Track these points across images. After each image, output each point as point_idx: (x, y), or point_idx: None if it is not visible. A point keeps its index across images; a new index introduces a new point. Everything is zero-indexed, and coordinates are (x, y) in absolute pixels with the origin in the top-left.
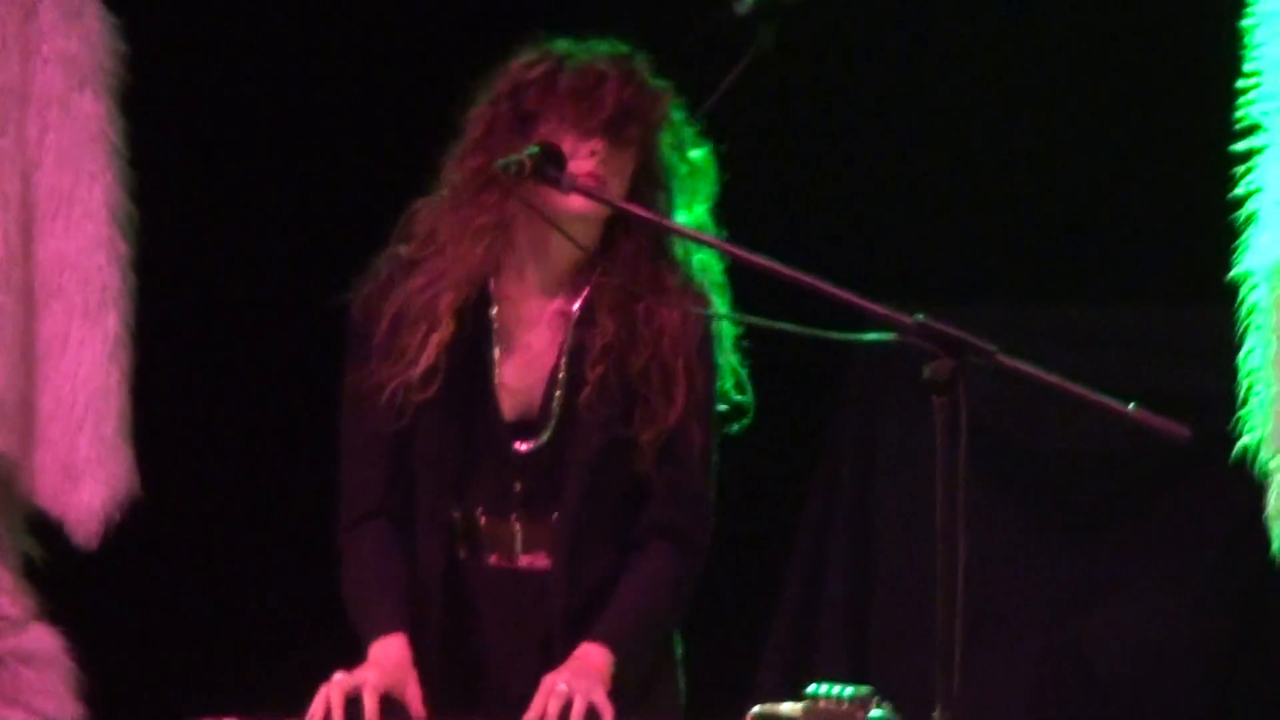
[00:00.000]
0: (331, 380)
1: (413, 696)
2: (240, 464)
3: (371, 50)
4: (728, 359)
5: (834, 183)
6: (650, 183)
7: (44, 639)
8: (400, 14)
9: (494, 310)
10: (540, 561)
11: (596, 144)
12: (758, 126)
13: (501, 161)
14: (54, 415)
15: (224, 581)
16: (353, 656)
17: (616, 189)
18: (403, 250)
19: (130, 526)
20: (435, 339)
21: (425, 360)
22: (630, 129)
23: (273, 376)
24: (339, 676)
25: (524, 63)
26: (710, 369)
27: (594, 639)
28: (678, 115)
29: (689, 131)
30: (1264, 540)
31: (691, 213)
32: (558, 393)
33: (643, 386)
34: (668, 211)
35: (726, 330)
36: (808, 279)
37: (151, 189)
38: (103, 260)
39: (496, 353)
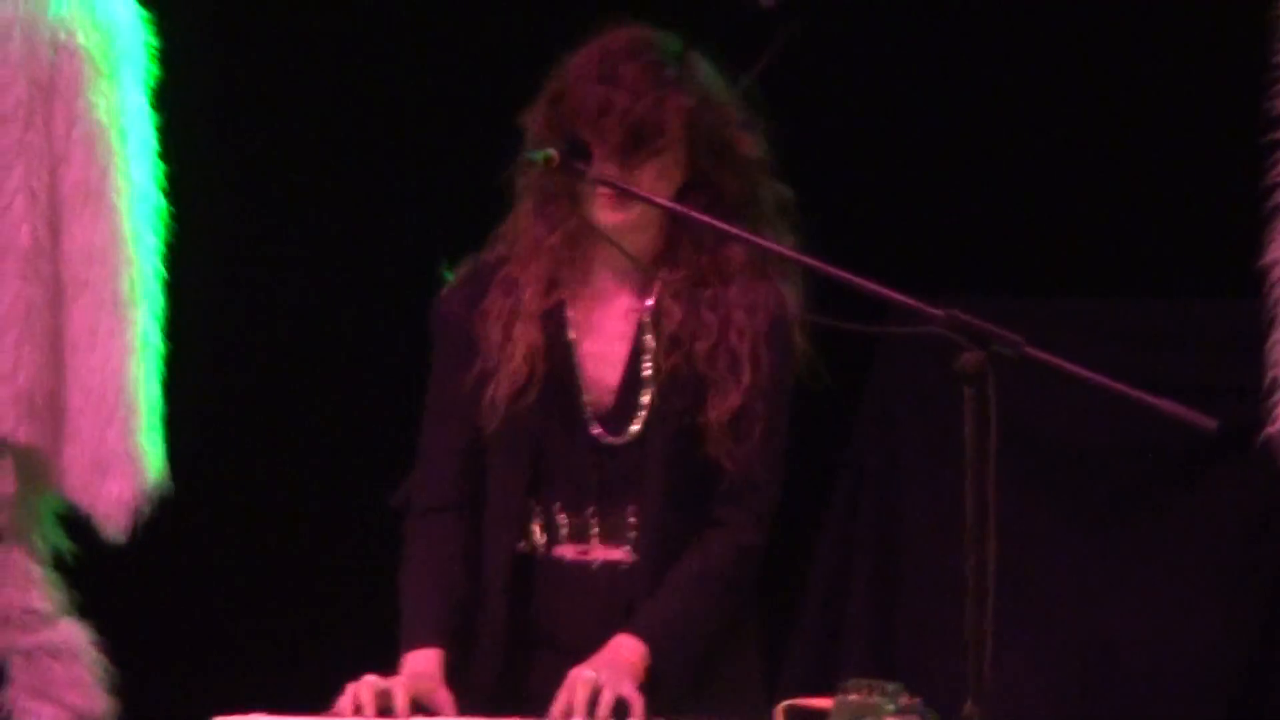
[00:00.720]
0: (365, 374)
1: (443, 702)
2: (270, 457)
3: (409, 39)
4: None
5: (860, 174)
6: (706, 171)
7: (73, 633)
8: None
9: (569, 309)
10: (616, 554)
11: (622, 149)
12: (784, 117)
13: (528, 154)
14: (83, 409)
15: (253, 575)
16: (383, 653)
17: (660, 188)
18: (488, 257)
19: (159, 520)
20: (522, 340)
21: (515, 360)
22: (654, 140)
23: (303, 371)
24: (369, 678)
25: (556, 76)
26: (780, 353)
27: (629, 630)
28: (715, 95)
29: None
30: None
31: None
32: (641, 385)
33: (709, 371)
34: (743, 188)
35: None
36: (834, 270)
37: (181, 181)
38: (131, 253)
39: (575, 349)
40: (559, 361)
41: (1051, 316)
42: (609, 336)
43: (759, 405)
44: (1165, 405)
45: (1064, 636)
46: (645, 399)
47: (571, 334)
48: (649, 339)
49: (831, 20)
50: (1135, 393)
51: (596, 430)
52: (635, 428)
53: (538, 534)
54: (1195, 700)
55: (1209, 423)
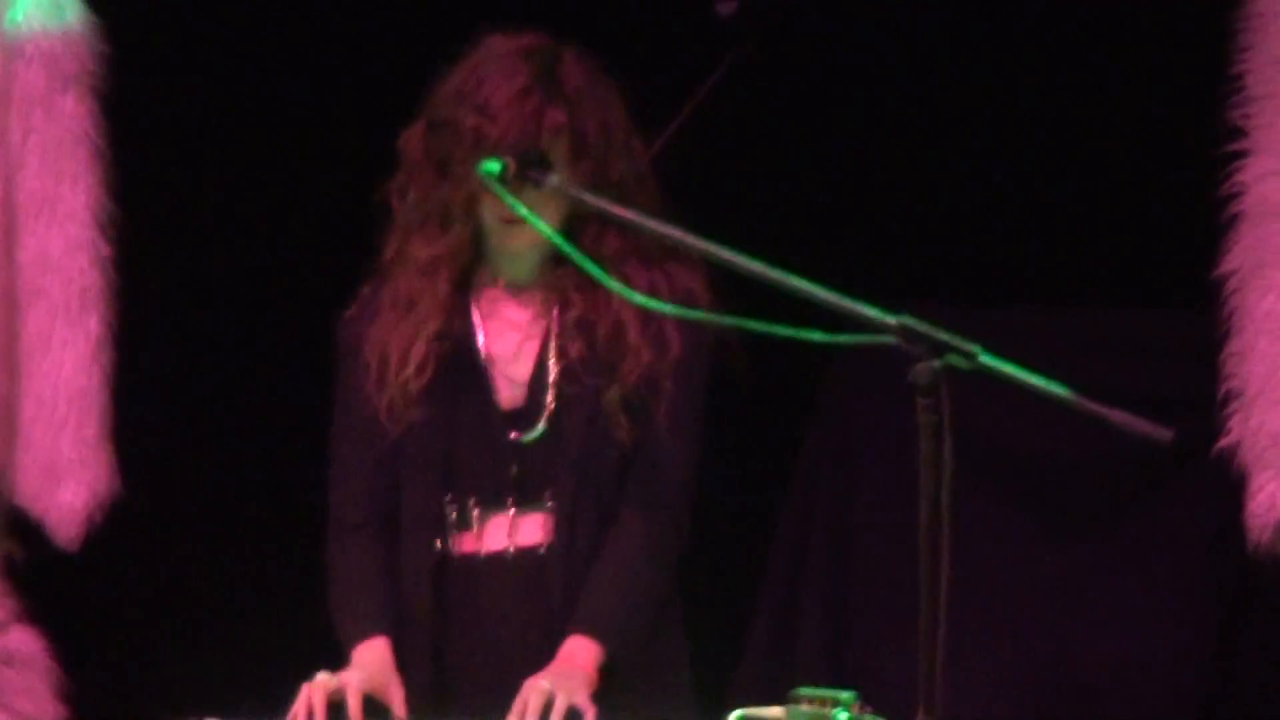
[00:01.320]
0: (313, 381)
1: (395, 697)
2: (221, 464)
3: (353, 51)
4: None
5: (814, 183)
6: (592, 175)
7: (25, 640)
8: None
9: (475, 308)
10: (533, 540)
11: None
12: (736, 125)
13: (484, 165)
14: (36, 416)
15: (205, 582)
16: (335, 656)
17: (552, 215)
18: (381, 277)
19: (111, 527)
20: (424, 334)
21: (415, 357)
22: (544, 153)
23: (254, 378)
24: (321, 676)
25: (434, 98)
26: (684, 335)
27: (577, 629)
28: (608, 102)
29: (608, 105)
30: (1244, 540)
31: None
32: (550, 379)
33: (610, 353)
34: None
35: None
36: (787, 279)
37: (133, 190)
38: (85, 261)
39: (482, 345)
40: (465, 362)
41: (1007, 326)
42: (518, 335)
43: (665, 383)
44: (1120, 417)
45: (1021, 646)
46: (550, 395)
47: (480, 334)
48: (555, 327)
49: (788, 29)
50: (1090, 404)
51: (508, 430)
52: (542, 424)
53: (450, 532)
54: (1155, 712)
55: (1164, 434)
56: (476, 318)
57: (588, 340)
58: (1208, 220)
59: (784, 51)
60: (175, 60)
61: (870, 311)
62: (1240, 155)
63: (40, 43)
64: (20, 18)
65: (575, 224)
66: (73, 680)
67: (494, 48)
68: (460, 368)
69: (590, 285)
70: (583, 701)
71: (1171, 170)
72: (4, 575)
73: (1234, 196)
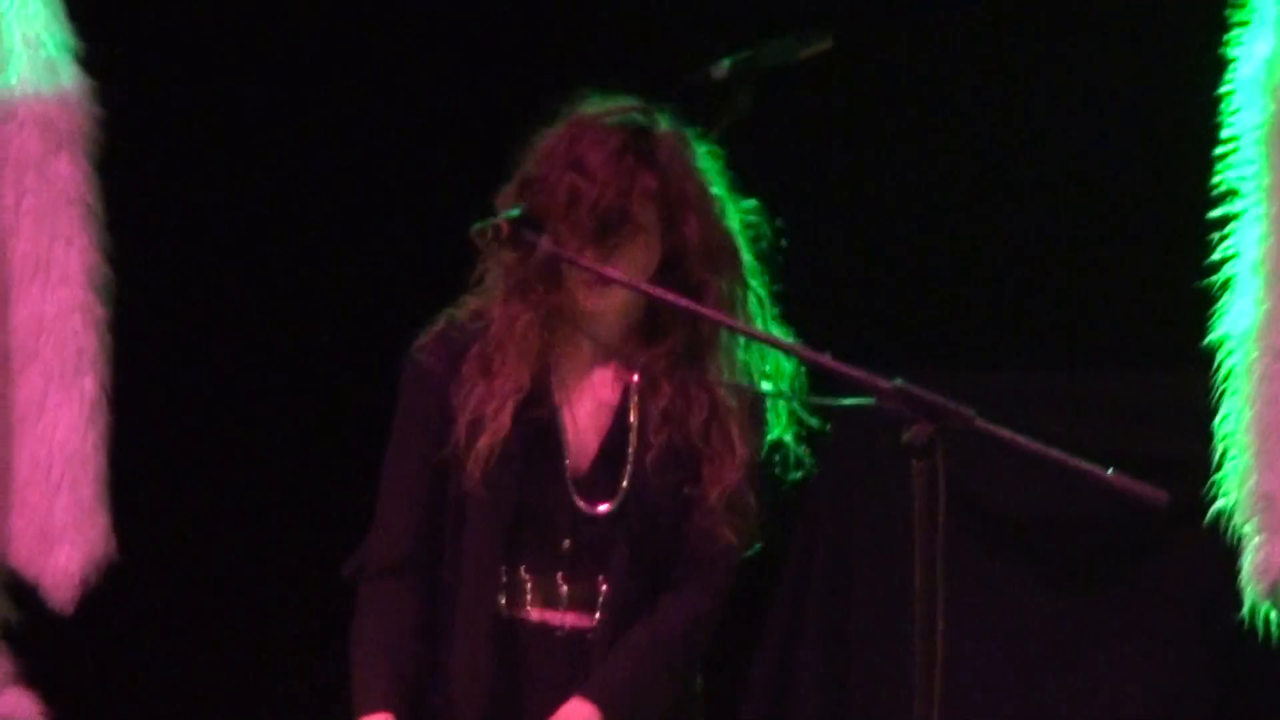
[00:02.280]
0: (309, 445)
1: None
2: (218, 526)
3: (354, 99)
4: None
5: (811, 249)
6: (685, 255)
7: (20, 703)
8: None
9: (553, 376)
10: (583, 622)
11: (588, 255)
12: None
13: (477, 225)
14: (30, 479)
15: (201, 644)
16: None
17: (634, 271)
18: (461, 318)
19: (107, 590)
20: (509, 400)
21: (498, 424)
22: (624, 227)
23: (252, 441)
24: None
25: (528, 157)
26: (755, 430)
27: (583, 694)
28: (698, 173)
29: (716, 184)
30: (1239, 603)
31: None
32: (623, 458)
33: (704, 446)
34: (730, 280)
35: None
36: (785, 343)
37: (128, 252)
38: (79, 324)
39: (559, 415)
40: (543, 426)
41: (1002, 390)
42: (592, 406)
43: (731, 475)
44: (1116, 480)
45: (1015, 707)
46: (627, 472)
47: (556, 400)
48: (633, 412)
49: (780, 92)
50: (1086, 467)
51: (576, 497)
52: (615, 501)
53: (501, 594)
54: None
55: (1160, 496)
56: (556, 385)
57: (677, 429)
58: (1203, 282)
59: (777, 115)
60: (170, 121)
61: (866, 375)
62: (1234, 217)
63: (34, 106)
64: (14, 80)
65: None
66: None
67: (589, 110)
68: (536, 432)
69: (681, 372)
70: None
71: (1166, 232)
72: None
73: (1228, 258)
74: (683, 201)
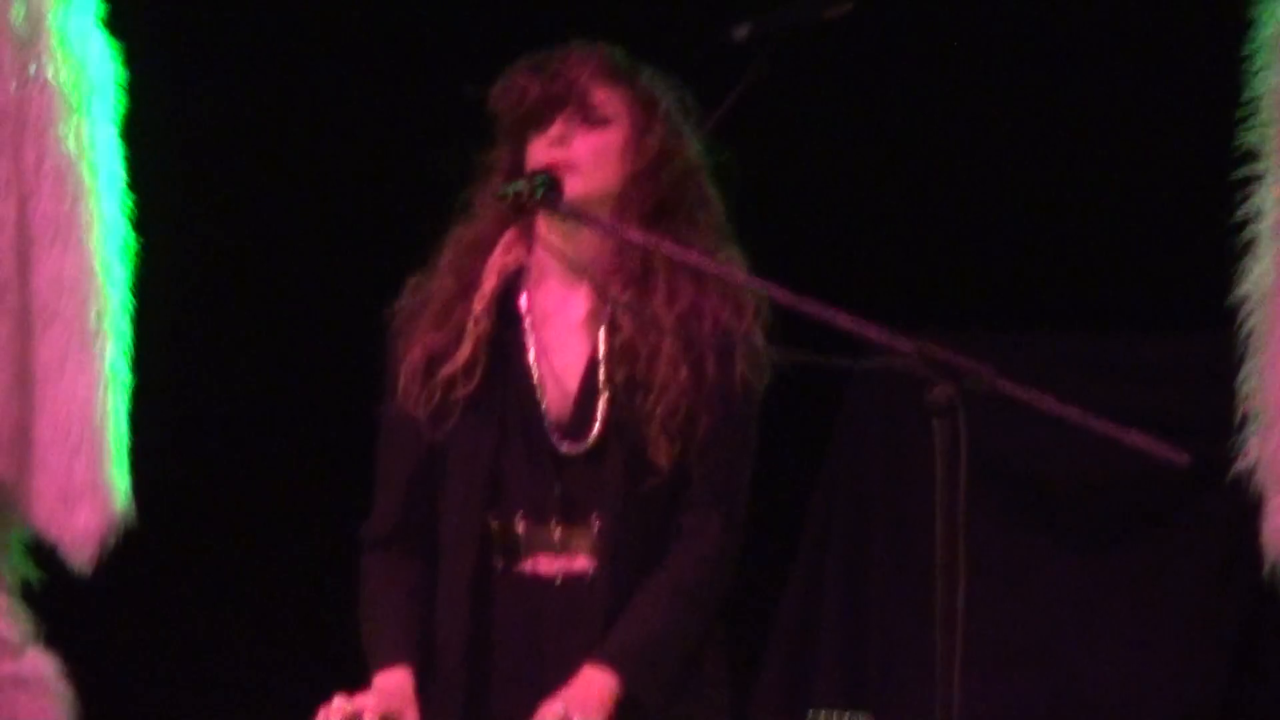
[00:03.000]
0: (331, 400)
1: None
2: (237, 488)
3: (369, 63)
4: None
5: (832, 207)
6: (652, 169)
7: (40, 664)
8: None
9: (525, 314)
10: (579, 565)
11: (557, 123)
12: (755, 149)
13: (502, 189)
14: (51, 440)
15: (220, 605)
16: (352, 680)
17: (599, 172)
18: (429, 275)
19: (126, 550)
20: (472, 335)
21: (462, 356)
22: (597, 105)
23: (270, 400)
24: (338, 700)
25: (496, 87)
26: (728, 361)
27: (598, 659)
28: (679, 104)
29: (694, 128)
30: (1260, 563)
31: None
32: (600, 395)
33: (652, 376)
34: (694, 209)
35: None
36: (804, 302)
37: (149, 213)
38: (100, 285)
39: (532, 355)
40: (513, 370)
41: (1023, 350)
42: (566, 345)
43: (705, 411)
44: (1137, 440)
45: (1037, 668)
46: (601, 407)
47: (528, 341)
48: (603, 348)
49: (803, 54)
50: (1107, 427)
51: (556, 440)
52: (592, 437)
53: (495, 549)
54: None
55: (1181, 457)
56: (527, 324)
57: (630, 363)
58: (1224, 243)
59: (800, 75)
60: (193, 83)
61: (887, 335)
62: (1255, 178)
63: (55, 67)
64: (35, 42)
65: (626, 240)
66: (87, 704)
67: (568, 47)
68: (508, 375)
69: (637, 307)
70: None
71: (1187, 193)
72: (19, 598)
73: (1250, 219)
74: (654, 112)
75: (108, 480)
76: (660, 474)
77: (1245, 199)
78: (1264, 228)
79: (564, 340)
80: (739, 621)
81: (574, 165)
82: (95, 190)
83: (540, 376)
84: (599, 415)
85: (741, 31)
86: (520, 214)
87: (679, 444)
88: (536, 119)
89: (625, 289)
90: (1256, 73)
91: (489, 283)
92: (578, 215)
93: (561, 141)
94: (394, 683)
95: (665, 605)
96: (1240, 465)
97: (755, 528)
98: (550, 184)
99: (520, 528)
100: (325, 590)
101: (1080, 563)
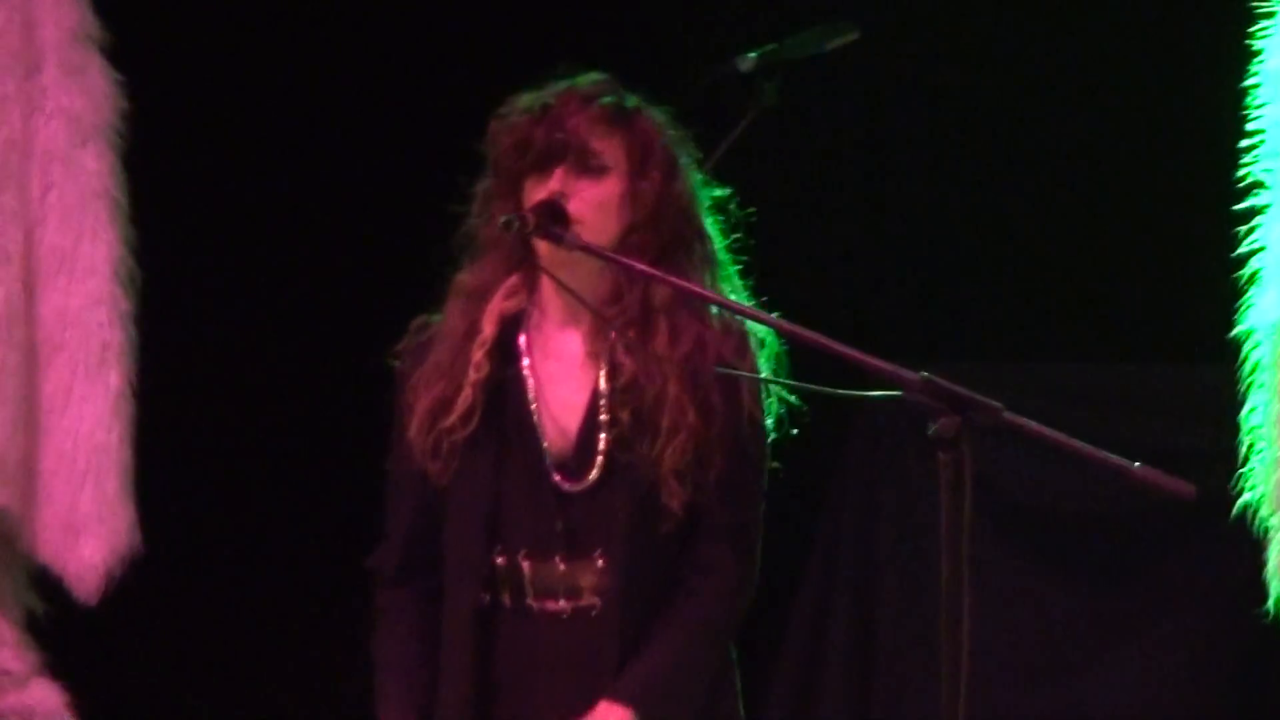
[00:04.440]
0: (337, 433)
1: None
2: (243, 519)
3: (379, 109)
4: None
5: (838, 240)
6: (651, 217)
7: (46, 694)
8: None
9: (525, 353)
10: (585, 600)
11: (556, 175)
12: (760, 183)
13: (503, 219)
14: (56, 471)
15: (226, 637)
16: (362, 715)
17: (599, 222)
18: (431, 319)
19: (131, 582)
20: (471, 380)
21: (463, 402)
22: (595, 154)
23: (275, 433)
24: None
25: (493, 123)
26: (731, 397)
27: (614, 694)
28: (674, 143)
29: (691, 161)
30: (1265, 597)
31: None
32: (601, 432)
33: (658, 419)
34: (693, 248)
35: (766, 362)
36: (811, 335)
37: (153, 246)
38: (105, 317)
39: (532, 393)
40: (514, 409)
41: (1029, 382)
42: (567, 383)
43: (716, 452)
44: (1143, 473)
45: (1040, 701)
46: (602, 444)
47: (529, 379)
48: (604, 385)
49: (808, 84)
50: (1113, 460)
51: (557, 478)
52: (594, 474)
53: (502, 587)
54: None
55: (1187, 489)
56: (526, 363)
57: (635, 406)
58: (1230, 275)
59: (805, 106)
60: (196, 116)
61: (893, 367)
62: (1260, 210)
63: (60, 98)
64: (41, 74)
65: (627, 277)
66: None
67: (562, 85)
68: (508, 414)
69: (640, 346)
70: None
71: (1193, 225)
72: (25, 629)
73: (1255, 252)
74: (650, 156)
75: (113, 511)
76: (674, 518)
77: (1251, 231)
78: (1269, 260)
79: (564, 378)
80: (749, 642)
81: (574, 218)
82: (100, 222)
83: (540, 414)
84: (600, 452)
85: (746, 63)
86: (524, 243)
87: (690, 487)
88: (534, 163)
89: (626, 329)
90: (1262, 105)
91: (489, 329)
92: (583, 247)
93: (561, 195)
94: None
95: (682, 640)
96: (1246, 498)
97: (764, 551)
98: (554, 214)
99: (524, 565)
100: (333, 623)
101: (1086, 594)
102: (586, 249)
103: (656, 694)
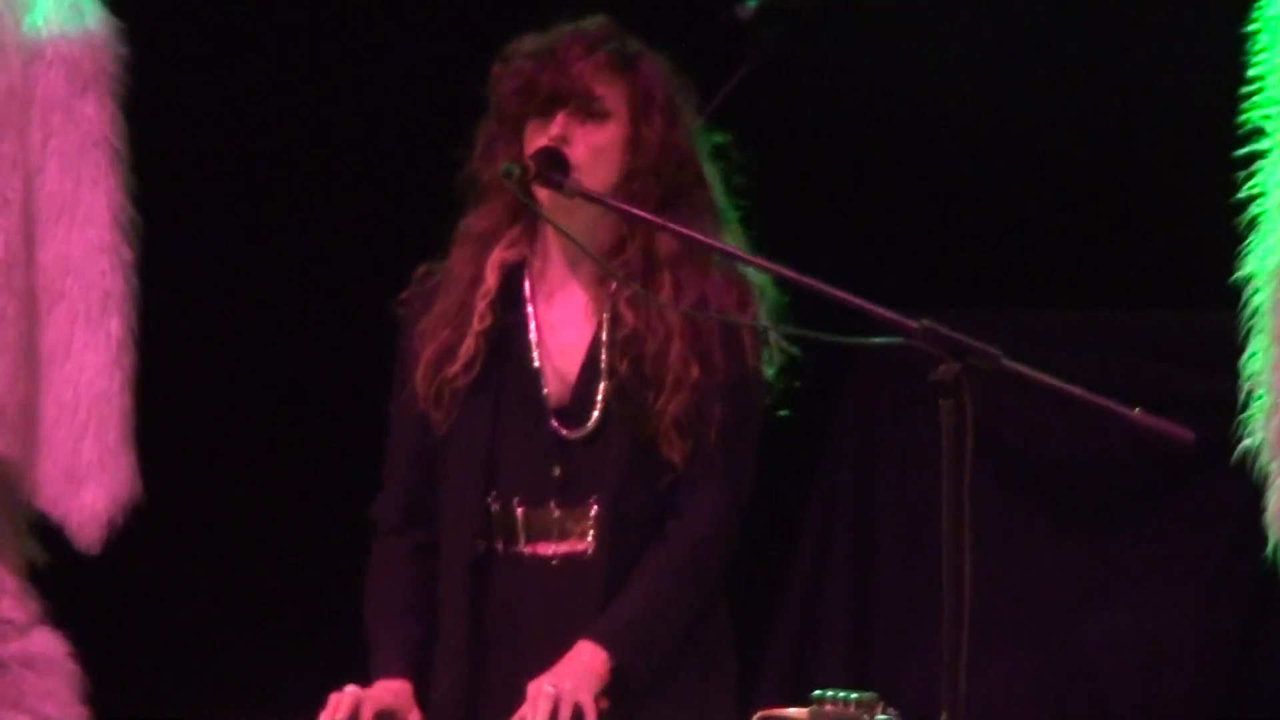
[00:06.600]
0: (336, 381)
1: None
2: (243, 467)
3: (379, 49)
4: (769, 339)
5: (838, 186)
6: (653, 164)
7: (47, 643)
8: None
9: (528, 301)
10: (577, 547)
11: (558, 120)
12: (760, 130)
13: (504, 167)
14: (57, 420)
15: (227, 584)
16: (362, 661)
17: (599, 168)
18: (436, 266)
19: (133, 530)
20: (475, 330)
21: (465, 350)
22: (598, 100)
23: (276, 380)
24: (350, 689)
25: (497, 66)
26: (732, 349)
27: (590, 635)
28: (677, 90)
29: (692, 109)
30: (1264, 542)
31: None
32: (600, 380)
33: (657, 372)
34: (694, 197)
35: (768, 309)
36: (811, 282)
37: (154, 193)
38: (106, 265)
39: (534, 340)
40: (515, 356)
41: (1029, 328)
42: (567, 330)
43: (716, 403)
44: (1142, 418)
45: (1041, 648)
46: (601, 392)
47: (531, 327)
48: (604, 334)
49: (807, 34)
50: (1112, 405)
51: (556, 424)
52: (592, 421)
53: (496, 532)
54: (1172, 711)
55: (1186, 435)
56: (529, 310)
57: (635, 357)
58: (1229, 221)
59: (804, 54)
60: (196, 62)
61: (893, 314)
62: (1260, 156)
63: (60, 46)
64: (40, 21)
65: (629, 227)
66: (95, 683)
67: (565, 26)
68: (509, 362)
69: (642, 300)
70: (586, 701)
71: (1192, 171)
72: (26, 578)
73: (1255, 197)
74: (652, 104)
75: (115, 460)
76: (675, 470)
77: (1250, 177)
78: (1269, 206)
79: (565, 326)
80: (745, 603)
81: (575, 164)
82: (101, 170)
83: (541, 361)
84: (599, 401)
85: (747, 11)
86: (525, 190)
87: (692, 440)
88: (537, 107)
89: (629, 282)
90: (1261, 51)
91: (491, 279)
92: (584, 194)
93: (563, 140)
94: (396, 691)
95: (659, 584)
96: (1245, 443)
97: (760, 509)
98: (555, 161)
99: (519, 510)
100: (332, 570)
101: (1086, 540)
102: (587, 195)
103: (630, 637)
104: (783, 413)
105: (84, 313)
